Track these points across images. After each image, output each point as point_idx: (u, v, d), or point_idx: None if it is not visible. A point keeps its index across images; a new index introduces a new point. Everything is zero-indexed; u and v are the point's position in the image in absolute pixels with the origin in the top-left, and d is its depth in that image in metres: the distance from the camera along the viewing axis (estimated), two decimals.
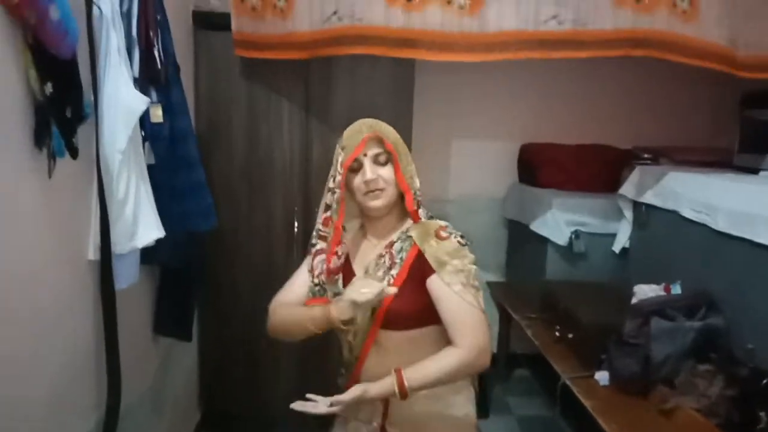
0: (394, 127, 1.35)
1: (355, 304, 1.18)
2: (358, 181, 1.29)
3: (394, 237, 1.34)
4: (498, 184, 3.36)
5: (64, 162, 1.29)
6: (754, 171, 2.44)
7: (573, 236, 2.73)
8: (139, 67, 1.63)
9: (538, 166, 3.11)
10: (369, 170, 1.27)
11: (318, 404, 1.21)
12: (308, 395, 1.22)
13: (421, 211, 1.32)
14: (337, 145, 1.32)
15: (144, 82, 1.65)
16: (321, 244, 1.35)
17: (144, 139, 1.66)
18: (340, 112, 2.52)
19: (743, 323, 1.91)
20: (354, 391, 1.21)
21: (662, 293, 2.19)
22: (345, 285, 1.32)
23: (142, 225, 1.54)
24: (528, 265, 3.13)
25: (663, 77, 3.15)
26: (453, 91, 3.22)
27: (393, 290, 1.20)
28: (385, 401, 1.32)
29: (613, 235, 2.79)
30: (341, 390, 1.25)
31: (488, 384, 1.48)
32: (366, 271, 1.33)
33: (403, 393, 1.19)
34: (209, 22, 2.45)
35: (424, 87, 2.80)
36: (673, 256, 2.35)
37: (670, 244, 2.38)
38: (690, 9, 2.04)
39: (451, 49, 2.08)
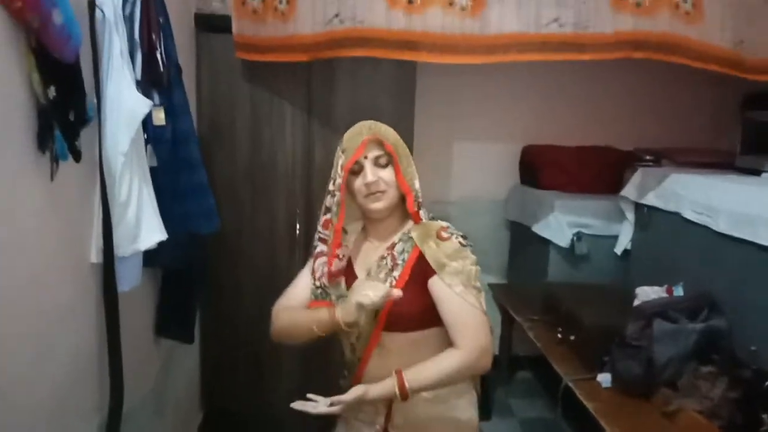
0: (396, 129, 1.35)
1: (360, 308, 1.17)
2: (359, 183, 1.29)
3: (395, 238, 1.34)
4: (500, 185, 3.36)
5: (67, 165, 1.29)
6: (755, 172, 2.44)
7: (575, 238, 2.73)
8: (141, 70, 1.64)
9: (539, 168, 3.11)
10: (370, 173, 1.27)
11: (318, 404, 1.21)
12: (308, 395, 1.22)
13: (422, 212, 1.32)
14: (338, 148, 1.33)
15: (146, 84, 1.65)
16: (321, 247, 1.35)
17: (146, 142, 1.66)
18: (342, 114, 2.53)
19: (746, 325, 1.91)
20: (354, 392, 1.21)
21: (664, 295, 2.19)
22: (348, 287, 1.32)
23: (144, 227, 1.54)
24: (530, 266, 3.13)
25: (664, 79, 3.15)
26: (454, 92, 3.22)
27: (398, 293, 1.19)
28: (388, 403, 1.32)
29: (615, 237, 2.79)
30: (343, 391, 1.25)
31: (490, 386, 1.48)
32: (368, 273, 1.33)
33: (404, 394, 1.20)
34: (211, 25, 2.46)
35: (425, 89, 2.80)
36: (675, 257, 2.35)
37: (672, 246, 2.38)
38: (693, 11, 2.04)
39: (453, 51, 2.08)
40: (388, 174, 1.29)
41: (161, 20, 1.73)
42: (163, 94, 1.74)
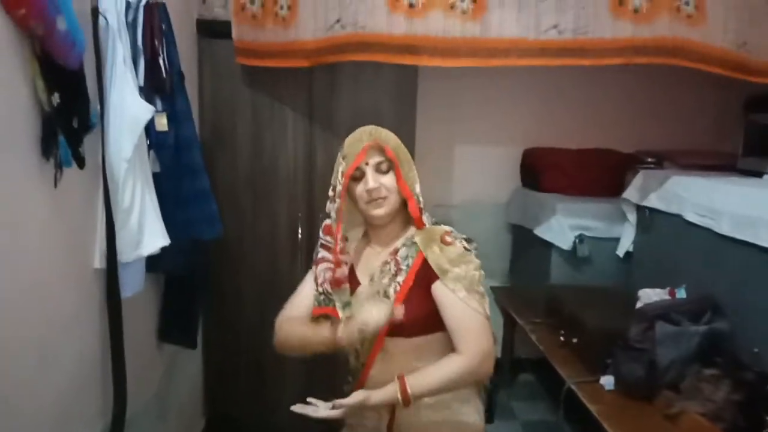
0: (397, 133, 1.35)
1: (363, 330, 1.18)
2: (360, 189, 1.29)
3: (398, 244, 1.34)
4: (501, 189, 3.36)
5: (71, 171, 1.30)
6: (758, 174, 2.44)
7: (577, 241, 2.73)
8: (144, 77, 1.65)
9: (541, 171, 3.11)
10: (371, 179, 1.27)
11: (319, 408, 1.22)
12: (309, 399, 1.23)
13: (425, 217, 1.32)
14: (338, 154, 1.33)
15: (149, 91, 1.67)
16: (323, 253, 1.35)
17: (149, 148, 1.67)
18: (344, 119, 2.53)
19: (748, 327, 1.90)
20: (356, 396, 1.21)
21: (667, 297, 2.19)
22: (351, 293, 1.32)
23: (147, 233, 1.55)
24: (532, 269, 3.13)
25: (666, 81, 3.15)
26: (456, 96, 3.23)
27: (400, 312, 1.20)
28: (391, 409, 1.32)
29: (617, 240, 2.79)
30: (347, 396, 1.25)
31: (493, 389, 1.48)
32: (371, 279, 1.33)
33: (406, 400, 1.20)
34: (213, 31, 2.47)
35: (427, 92, 2.81)
36: (677, 260, 2.35)
37: (675, 248, 2.38)
38: (696, 13, 2.04)
39: (454, 54, 2.09)
40: (389, 180, 1.29)
41: (164, 27, 1.74)
42: (166, 100, 1.75)
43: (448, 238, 1.28)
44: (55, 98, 1.20)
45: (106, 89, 1.43)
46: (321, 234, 1.36)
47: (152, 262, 1.70)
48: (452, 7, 2.05)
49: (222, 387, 2.75)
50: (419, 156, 2.42)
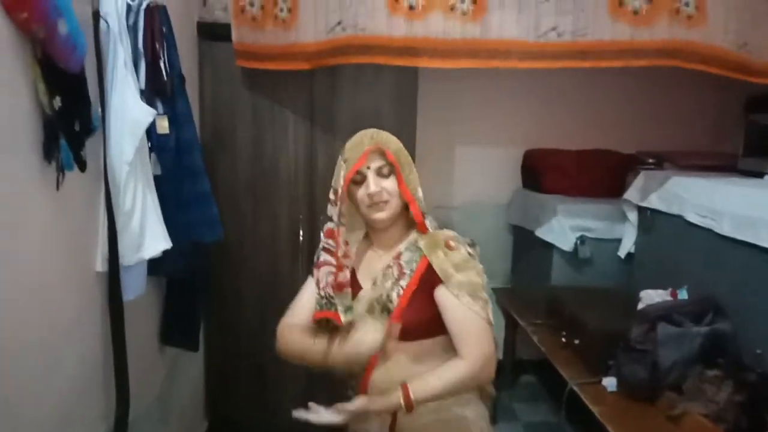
0: (398, 135, 1.35)
1: (362, 355, 1.20)
2: (361, 193, 1.28)
3: (401, 248, 1.34)
4: (502, 190, 3.36)
5: (73, 174, 1.30)
6: (758, 175, 2.44)
7: (578, 242, 2.73)
8: (145, 80, 1.65)
9: (542, 172, 3.11)
10: (372, 183, 1.27)
11: (320, 413, 1.22)
12: (311, 404, 1.22)
13: (427, 221, 1.32)
14: (339, 157, 1.32)
15: (150, 93, 1.67)
16: (325, 256, 1.35)
17: (150, 150, 1.67)
18: (345, 121, 2.53)
19: (751, 328, 1.90)
20: (359, 403, 1.22)
21: (669, 298, 2.19)
22: (353, 297, 1.32)
23: (149, 236, 1.55)
24: (533, 270, 3.13)
25: (666, 82, 3.15)
26: (456, 97, 3.23)
27: (397, 330, 1.21)
28: (393, 412, 1.32)
29: (619, 241, 2.79)
30: (349, 400, 1.25)
31: (494, 390, 1.48)
32: (373, 283, 1.33)
33: (409, 406, 1.20)
34: (213, 33, 2.47)
35: (427, 94, 2.81)
36: (678, 261, 2.34)
37: (676, 249, 2.38)
38: (697, 14, 2.04)
39: (454, 55, 2.09)
40: (390, 184, 1.28)
41: (164, 30, 1.74)
42: (167, 103, 1.76)
43: (452, 243, 1.29)
44: (57, 101, 1.20)
45: (108, 92, 1.43)
46: (323, 237, 1.36)
47: (153, 265, 1.70)
48: (452, 8, 2.05)
49: (223, 390, 2.75)
50: (420, 157, 2.42)
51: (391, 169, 1.29)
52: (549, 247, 2.83)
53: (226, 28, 2.32)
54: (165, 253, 1.61)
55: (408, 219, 1.34)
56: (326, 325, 1.31)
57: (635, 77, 3.16)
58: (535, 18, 2.05)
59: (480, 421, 1.37)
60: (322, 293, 1.33)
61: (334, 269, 1.31)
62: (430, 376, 1.23)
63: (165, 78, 1.71)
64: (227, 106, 2.54)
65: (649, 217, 2.57)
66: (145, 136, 1.53)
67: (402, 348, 1.29)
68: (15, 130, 1.13)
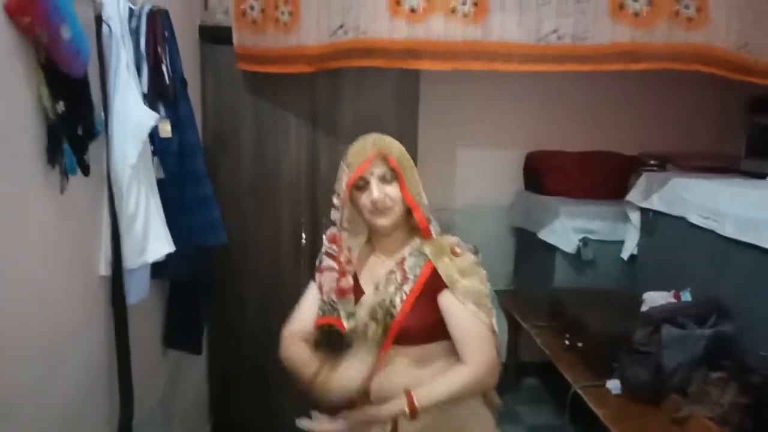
0: (400, 137, 1.35)
1: (339, 396, 1.21)
2: (364, 200, 1.28)
3: (405, 253, 1.33)
4: (504, 192, 3.36)
5: (76, 179, 1.30)
6: (761, 176, 2.43)
7: (581, 244, 2.73)
8: (147, 83, 1.66)
9: (544, 174, 3.11)
10: (375, 189, 1.27)
11: (324, 423, 1.22)
12: (314, 413, 1.22)
13: (432, 227, 1.32)
14: (342, 162, 1.32)
15: (153, 97, 1.67)
16: (329, 262, 1.35)
17: (153, 154, 1.67)
18: (347, 123, 2.54)
19: (755, 330, 1.90)
20: (363, 410, 1.22)
21: (672, 300, 2.18)
22: (356, 302, 1.32)
23: (152, 239, 1.55)
24: (536, 273, 3.12)
25: (668, 83, 3.15)
26: (458, 99, 3.23)
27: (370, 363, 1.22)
28: (395, 420, 1.32)
29: (621, 242, 2.78)
30: (356, 405, 1.25)
31: (499, 400, 1.47)
32: (376, 288, 1.33)
33: (414, 412, 1.20)
34: (215, 37, 2.48)
35: (428, 96, 2.81)
36: (681, 262, 2.34)
37: (679, 251, 2.37)
38: (698, 16, 2.04)
39: (454, 57, 2.09)
40: (393, 190, 1.28)
41: (166, 34, 1.74)
42: (169, 106, 1.76)
43: (458, 249, 1.29)
44: (60, 106, 1.20)
45: (110, 96, 1.43)
46: (326, 242, 1.36)
47: (157, 269, 1.70)
48: (453, 11, 2.05)
49: (226, 393, 2.75)
50: (422, 160, 2.42)
51: (393, 175, 1.28)
52: (551, 249, 2.82)
53: (228, 31, 2.33)
54: (168, 256, 1.61)
55: (411, 224, 1.34)
56: (328, 330, 1.31)
57: (637, 79, 3.14)
58: (536, 20, 2.06)
59: (484, 426, 1.37)
60: (326, 298, 1.33)
61: (337, 275, 1.31)
62: (434, 383, 1.23)
63: (167, 81, 1.71)
64: (229, 110, 2.54)
65: (651, 219, 2.57)
66: (147, 140, 1.53)
67: (404, 352, 1.29)
68: (19, 134, 1.13)
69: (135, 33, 1.61)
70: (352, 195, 1.30)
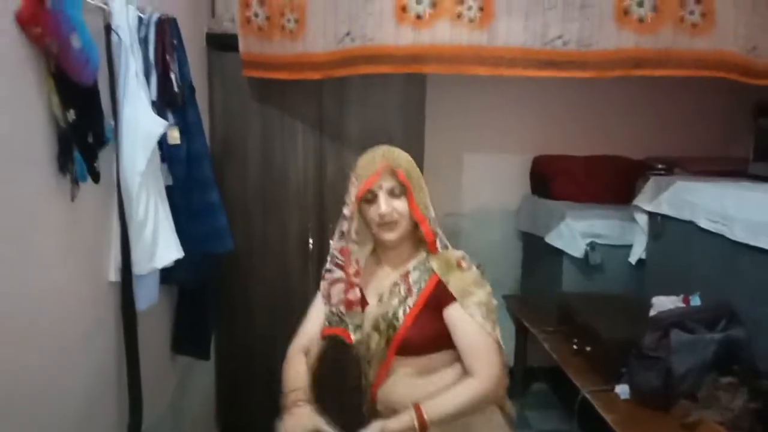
0: (407, 144, 1.36)
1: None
2: (372, 212, 1.29)
3: (410, 266, 1.34)
4: (511, 196, 3.35)
5: (86, 186, 1.31)
6: None
7: (588, 248, 2.72)
8: (156, 91, 1.67)
9: (551, 178, 3.10)
10: (383, 203, 1.27)
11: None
12: (322, 428, 1.22)
13: (438, 242, 1.32)
14: (351, 173, 1.33)
15: (161, 105, 1.69)
16: (338, 273, 1.36)
17: (162, 161, 1.69)
18: (353, 130, 2.54)
19: (765, 335, 1.88)
20: (374, 426, 1.22)
21: (681, 305, 2.17)
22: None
23: (161, 246, 1.56)
24: (544, 277, 3.11)
25: (675, 87, 3.13)
26: (464, 104, 3.23)
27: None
28: None
29: (629, 247, 2.77)
30: (365, 416, 1.26)
31: (513, 411, 1.47)
32: (379, 299, 1.34)
33: (423, 427, 1.20)
34: (222, 44, 2.49)
35: (435, 101, 2.82)
36: (690, 267, 2.32)
37: (688, 255, 2.36)
38: (702, 21, 2.04)
39: (460, 62, 2.09)
40: (401, 204, 1.28)
41: (175, 42, 1.76)
42: (178, 113, 1.77)
43: (464, 264, 1.30)
44: (71, 114, 1.22)
45: (120, 104, 1.45)
46: (336, 254, 1.37)
47: (165, 275, 1.72)
48: (459, 16, 2.06)
49: (234, 398, 2.75)
50: (428, 165, 2.42)
51: (402, 189, 1.29)
52: (559, 253, 2.81)
53: (235, 38, 2.34)
54: (176, 262, 1.62)
55: (417, 237, 1.35)
56: (335, 341, 1.33)
57: (644, 83, 3.13)
58: (542, 25, 2.06)
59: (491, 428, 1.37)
60: (334, 309, 1.33)
61: (345, 286, 1.32)
62: (443, 396, 1.23)
63: (176, 89, 1.72)
64: (237, 117, 2.56)
65: (659, 223, 2.56)
66: (157, 147, 1.55)
67: (407, 363, 1.31)
68: (30, 143, 1.15)
69: (144, 41, 1.62)
70: (360, 207, 1.30)
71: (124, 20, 1.46)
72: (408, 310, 1.28)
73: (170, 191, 1.70)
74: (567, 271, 2.81)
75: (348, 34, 2.11)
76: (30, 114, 1.14)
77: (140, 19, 1.60)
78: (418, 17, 2.06)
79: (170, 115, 1.73)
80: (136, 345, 1.55)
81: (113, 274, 1.50)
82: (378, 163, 1.28)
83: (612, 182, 3.03)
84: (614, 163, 3.13)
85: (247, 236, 2.60)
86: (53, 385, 1.27)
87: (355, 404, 1.49)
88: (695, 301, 2.16)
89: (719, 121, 3.32)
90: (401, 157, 1.32)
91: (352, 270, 1.31)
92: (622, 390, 2.00)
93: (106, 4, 1.40)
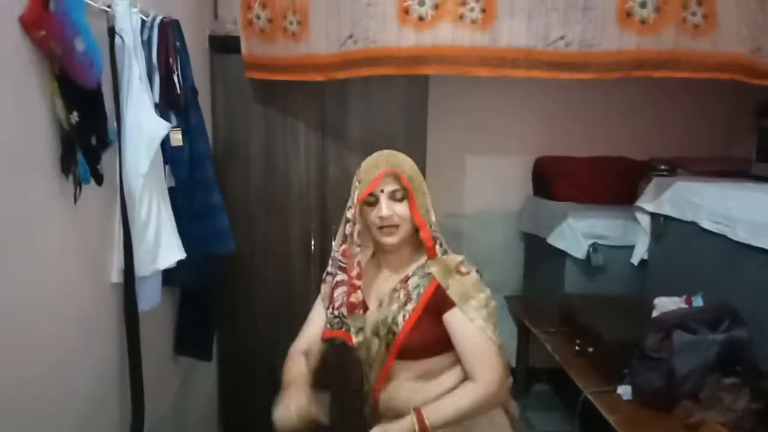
0: (409, 145, 1.37)
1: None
2: (373, 215, 1.29)
3: (409, 271, 1.34)
4: (513, 197, 3.35)
5: (89, 188, 1.32)
6: None
7: (591, 249, 2.71)
8: (159, 93, 1.68)
9: (553, 179, 3.10)
10: (385, 207, 1.28)
11: None
12: (316, 414, 1.22)
13: (437, 248, 1.33)
14: (355, 177, 1.34)
15: (164, 107, 1.69)
16: (342, 275, 1.36)
17: (164, 163, 1.69)
18: (356, 131, 2.54)
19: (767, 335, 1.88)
20: (373, 430, 1.22)
21: (684, 306, 2.16)
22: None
23: (163, 247, 1.57)
24: (546, 278, 3.11)
25: (678, 88, 3.12)
26: (466, 105, 3.23)
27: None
28: None
29: (632, 248, 2.77)
30: (366, 419, 1.26)
31: (516, 411, 1.48)
32: (379, 305, 1.34)
33: (424, 431, 1.20)
34: (225, 46, 2.50)
35: (437, 103, 2.82)
36: (693, 267, 2.32)
37: (690, 256, 2.35)
38: (704, 22, 2.04)
39: (462, 63, 2.09)
40: (402, 208, 1.29)
41: (178, 44, 1.77)
42: (180, 115, 1.78)
43: (463, 268, 1.30)
44: (74, 117, 1.22)
45: (123, 107, 1.46)
46: (339, 257, 1.37)
47: (167, 276, 1.72)
48: (461, 17, 2.06)
49: (236, 399, 2.76)
50: (431, 167, 2.42)
51: (404, 194, 1.29)
52: (561, 254, 2.81)
53: (237, 40, 2.35)
54: (179, 263, 1.63)
55: (417, 241, 1.35)
56: (334, 345, 1.34)
57: (645, 84, 3.12)
58: (545, 26, 2.06)
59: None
60: (336, 312, 1.34)
61: (347, 288, 1.32)
62: (444, 400, 1.24)
63: (178, 91, 1.73)
64: (239, 119, 2.56)
65: (662, 224, 2.55)
66: (159, 149, 1.56)
67: (407, 367, 1.31)
68: (34, 145, 1.15)
69: (147, 44, 1.63)
70: (361, 210, 1.31)
71: (128, 23, 1.46)
72: (407, 315, 1.28)
73: (172, 193, 1.70)
74: (569, 272, 2.81)
75: (351, 36, 2.11)
76: (34, 116, 1.15)
77: (143, 22, 1.61)
78: (421, 19, 2.06)
79: (173, 117, 1.74)
80: (138, 346, 1.55)
81: (116, 276, 1.50)
82: (381, 167, 1.29)
83: (614, 183, 3.03)
84: (616, 163, 3.13)
85: (249, 238, 2.61)
86: (56, 386, 1.28)
87: (356, 407, 1.49)
88: (698, 301, 2.15)
89: (721, 121, 3.31)
90: (404, 162, 1.33)
91: (354, 273, 1.32)
92: (625, 391, 2.00)
93: (109, 7, 1.41)
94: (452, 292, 1.26)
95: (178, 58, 1.75)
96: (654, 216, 2.62)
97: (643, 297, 2.49)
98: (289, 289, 2.63)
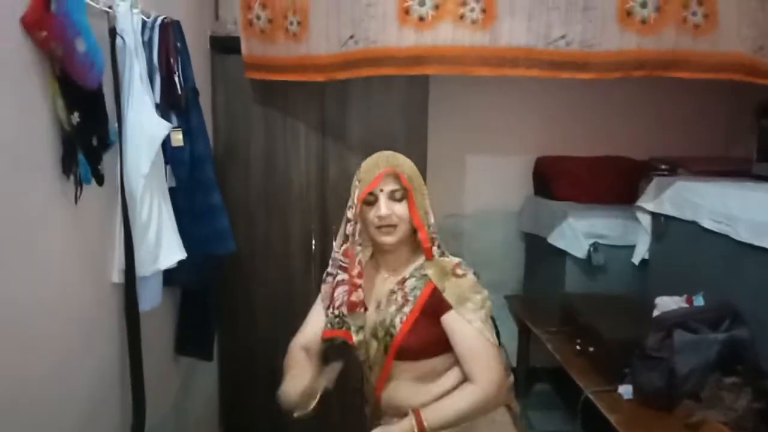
0: (409, 146, 1.38)
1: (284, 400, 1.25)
2: (372, 215, 1.30)
3: (406, 273, 1.35)
4: (513, 197, 3.35)
5: (90, 188, 1.32)
6: None
7: (591, 249, 2.71)
8: (160, 94, 1.68)
9: (553, 179, 3.10)
10: (383, 206, 1.28)
11: None
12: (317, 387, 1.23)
13: (435, 249, 1.33)
14: (355, 177, 1.34)
15: (165, 107, 1.70)
16: (342, 275, 1.36)
17: (165, 163, 1.69)
18: (356, 132, 2.54)
19: None
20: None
21: (684, 305, 2.16)
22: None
23: (164, 247, 1.57)
24: (546, 278, 3.11)
25: (678, 88, 3.11)
26: (467, 105, 3.23)
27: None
28: None
29: (632, 247, 2.77)
30: (367, 418, 1.26)
31: (518, 408, 1.48)
32: (377, 306, 1.35)
33: None
34: (226, 47, 2.50)
35: (437, 103, 2.82)
36: (694, 267, 2.32)
37: (691, 256, 2.35)
38: (705, 22, 2.04)
39: (462, 63, 2.10)
40: (401, 208, 1.30)
41: (179, 45, 1.77)
42: (181, 116, 1.78)
43: (460, 270, 1.31)
44: (75, 117, 1.23)
45: (124, 107, 1.46)
46: (340, 257, 1.37)
47: (168, 276, 1.72)
48: (461, 17, 2.06)
49: (237, 399, 2.76)
50: (431, 166, 2.42)
51: (403, 194, 1.30)
52: (562, 254, 2.81)
53: (238, 41, 2.35)
54: (179, 263, 1.63)
55: (416, 242, 1.35)
56: (333, 345, 1.34)
57: (646, 83, 3.12)
58: (545, 25, 2.06)
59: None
60: (336, 312, 1.34)
61: (348, 287, 1.32)
62: (443, 403, 1.24)
63: (179, 92, 1.74)
64: (239, 119, 2.57)
65: (662, 224, 2.55)
66: (160, 149, 1.56)
67: (406, 368, 1.31)
68: (35, 145, 1.15)
69: (148, 44, 1.63)
70: (361, 209, 1.31)
71: (129, 24, 1.47)
72: (405, 317, 1.29)
73: (173, 193, 1.71)
74: (570, 272, 2.81)
75: (352, 37, 2.11)
76: (35, 117, 1.15)
77: (144, 23, 1.61)
78: (421, 19, 2.06)
79: (174, 118, 1.74)
80: (139, 346, 1.55)
81: (116, 276, 1.50)
82: (381, 167, 1.30)
83: (615, 183, 3.03)
84: (617, 163, 3.13)
85: (250, 238, 2.61)
86: (57, 386, 1.28)
87: (357, 405, 1.49)
88: (698, 301, 2.15)
89: (721, 121, 3.31)
90: (405, 162, 1.34)
91: (355, 272, 1.32)
92: (626, 390, 2.00)
93: (110, 7, 1.41)
94: (448, 295, 1.27)
95: (179, 59, 1.75)
96: (655, 216, 2.62)
97: (643, 296, 2.49)
98: (290, 290, 2.63)
